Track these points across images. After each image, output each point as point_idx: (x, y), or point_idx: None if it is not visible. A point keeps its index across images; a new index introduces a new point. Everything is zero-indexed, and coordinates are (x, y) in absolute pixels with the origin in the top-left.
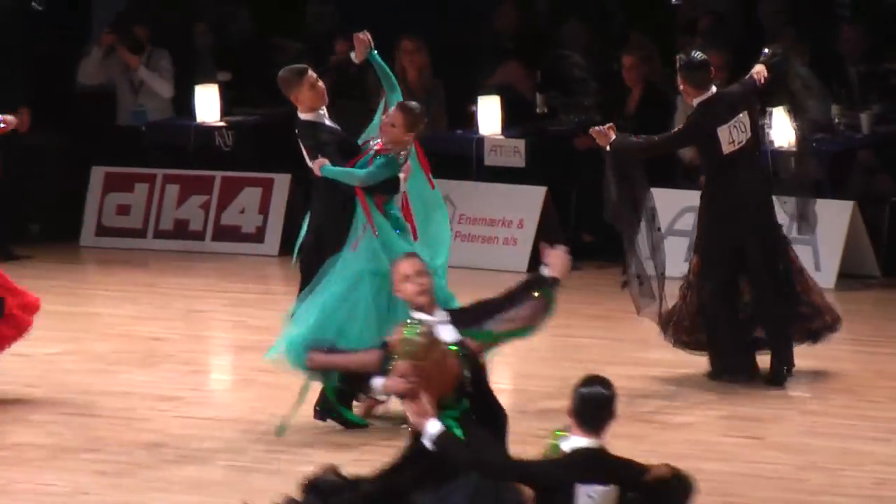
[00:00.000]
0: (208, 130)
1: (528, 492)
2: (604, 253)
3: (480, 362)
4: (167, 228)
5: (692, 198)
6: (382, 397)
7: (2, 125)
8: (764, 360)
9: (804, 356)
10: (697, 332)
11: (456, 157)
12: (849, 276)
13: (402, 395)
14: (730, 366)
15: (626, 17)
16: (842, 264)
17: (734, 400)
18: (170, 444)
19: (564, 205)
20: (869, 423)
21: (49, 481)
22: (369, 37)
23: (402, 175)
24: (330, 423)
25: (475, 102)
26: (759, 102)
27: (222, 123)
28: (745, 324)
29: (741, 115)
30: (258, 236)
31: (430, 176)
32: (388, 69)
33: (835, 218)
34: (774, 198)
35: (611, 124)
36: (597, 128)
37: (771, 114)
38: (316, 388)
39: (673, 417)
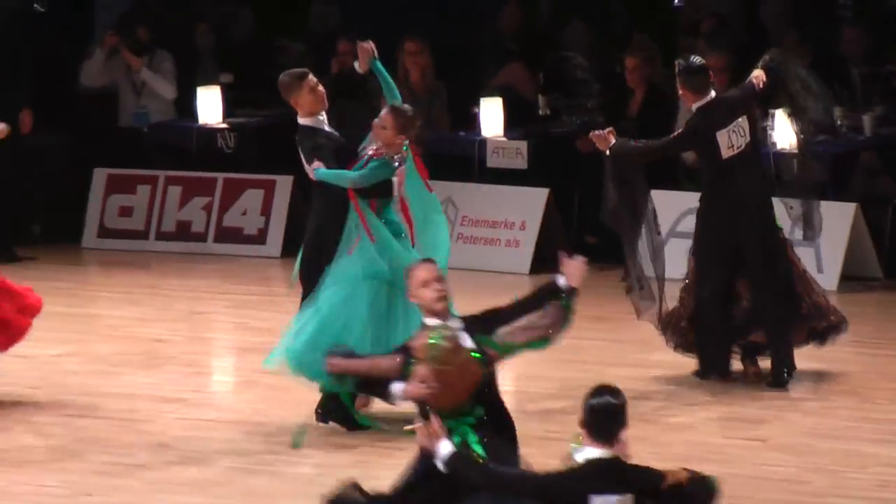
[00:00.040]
0: (210, 132)
1: None
2: (606, 255)
3: (494, 370)
4: (169, 230)
5: (694, 200)
6: (401, 403)
7: None
8: (764, 362)
9: (807, 358)
10: (692, 334)
11: (458, 159)
12: (851, 278)
13: (422, 401)
14: (710, 367)
15: (628, 18)
16: (844, 266)
17: (736, 401)
18: (172, 446)
19: (567, 206)
20: (872, 425)
21: (51, 483)
22: (373, 46)
23: (395, 179)
24: (332, 424)
25: (478, 104)
26: (758, 107)
27: (224, 125)
28: (738, 328)
29: (740, 119)
30: (260, 238)
31: (428, 181)
32: (390, 79)
33: (837, 220)
34: (779, 200)
35: (610, 129)
36: (597, 132)
37: (773, 115)
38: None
39: (674, 419)
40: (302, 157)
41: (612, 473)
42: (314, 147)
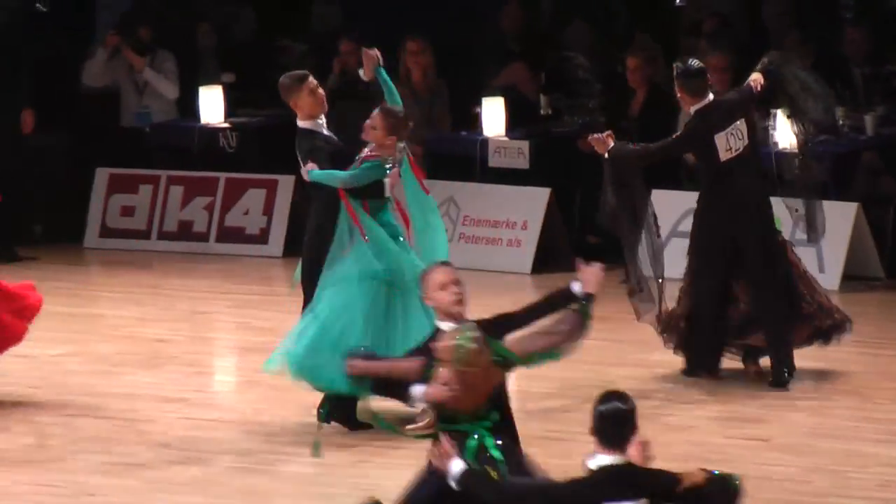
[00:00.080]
0: (212, 132)
1: None
2: (608, 255)
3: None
4: (171, 230)
5: (695, 200)
6: (421, 405)
7: None
8: (764, 361)
9: (809, 358)
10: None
11: (460, 159)
12: (853, 278)
13: (442, 403)
14: (698, 365)
15: (630, 18)
16: (846, 266)
17: (738, 401)
18: (174, 446)
19: (568, 206)
20: (874, 425)
21: (53, 482)
22: (378, 53)
23: (387, 181)
24: (334, 425)
25: (479, 104)
26: (757, 110)
27: (226, 125)
28: (734, 328)
29: (738, 122)
30: (262, 238)
31: (424, 183)
32: (393, 87)
33: (839, 220)
34: (782, 202)
35: (609, 132)
36: (595, 135)
37: (774, 115)
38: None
39: (675, 419)
40: (299, 159)
41: (624, 479)
42: (311, 149)
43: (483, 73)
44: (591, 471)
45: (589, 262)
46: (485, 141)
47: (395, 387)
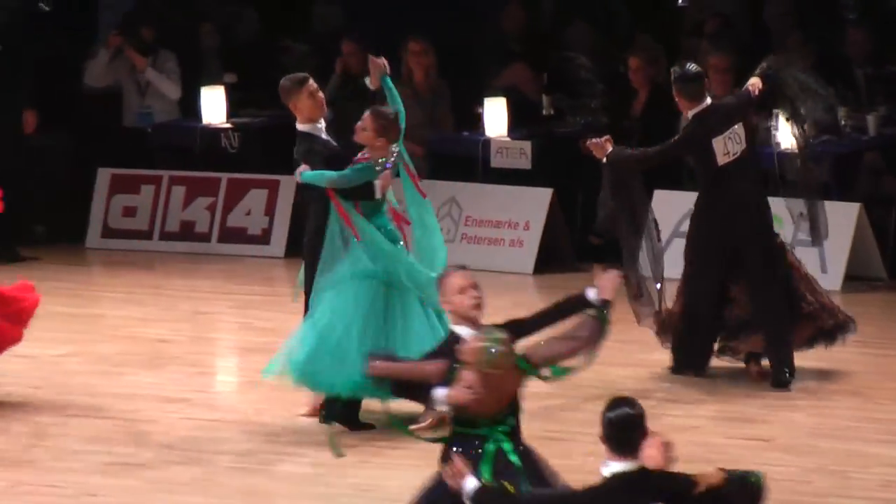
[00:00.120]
0: (214, 132)
1: None
2: (610, 255)
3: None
4: (173, 230)
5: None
6: (443, 408)
7: None
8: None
9: (810, 358)
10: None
11: (462, 159)
12: (855, 279)
13: (465, 406)
14: (687, 364)
15: (631, 18)
16: (848, 266)
17: (739, 402)
18: (176, 446)
19: (571, 207)
20: (876, 426)
21: (54, 483)
22: (385, 62)
23: (377, 183)
24: (335, 426)
25: (481, 104)
26: (755, 114)
27: (228, 125)
28: (728, 328)
29: (736, 126)
30: (264, 238)
31: (420, 186)
32: (397, 96)
33: (841, 220)
34: (784, 202)
35: (607, 136)
36: (593, 140)
37: (776, 115)
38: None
39: (676, 419)
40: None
41: (638, 485)
42: (306, 152)
43: (485, 73)
44: (605, 478)
45: (604, 267)
46: (487, 141)
47: (416, 389)
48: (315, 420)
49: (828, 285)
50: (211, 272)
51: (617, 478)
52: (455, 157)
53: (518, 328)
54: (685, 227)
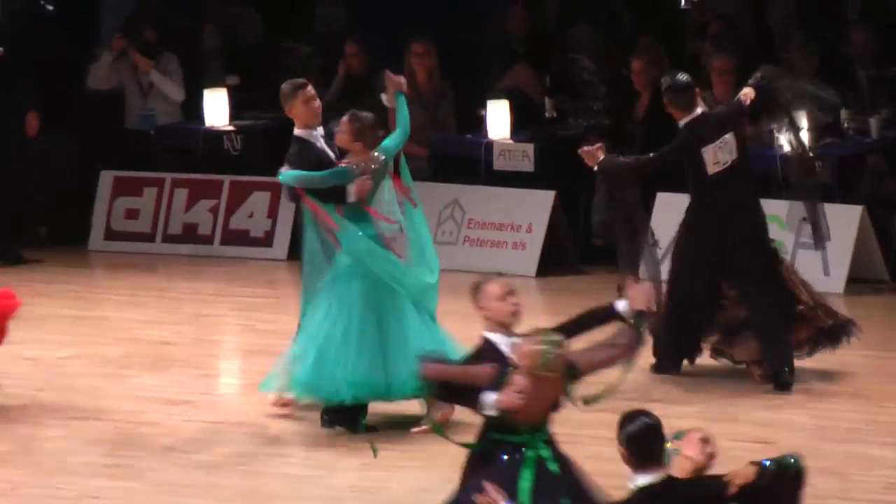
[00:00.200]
0: (217, 134)
1: None
2: (613, 257)
3: None
4: (176, 232)
5: None
6: (493, 412)
7: None
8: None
9: (813, 360)
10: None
11: (465, 161)
12: (858, 281)
13: (514, 411)
14: (664, 365)
15: (634, 20)
16: (851, 269)
17: (742, 404)
18: (179, 448)
19: (573, 209)
20: (878, 428)
21: (58, 485)
22: (403, 80)
23: (351, 187)
24: (338, 429)
25: (484, 106)
26: (749, 123)
27: (231, 127)
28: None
29: (727, 136)
30: (267, 240)
31: (410, 196)
32: (406, 113)
33: (844, 222)
34: (787, 205)
35: (599, 144)
36: (585, 148)
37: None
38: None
39: (677, 420)
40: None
41: (667, 495)
42: (291, 154)
43: (487, 75)
44: (632, 492)
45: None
46: (490, 143)
47: (465, 392)
48: (317, 422)
49: (830, 288)
50: (214, 274)
51: (645, 490)
52: (458, 159)
53: None
54: None
